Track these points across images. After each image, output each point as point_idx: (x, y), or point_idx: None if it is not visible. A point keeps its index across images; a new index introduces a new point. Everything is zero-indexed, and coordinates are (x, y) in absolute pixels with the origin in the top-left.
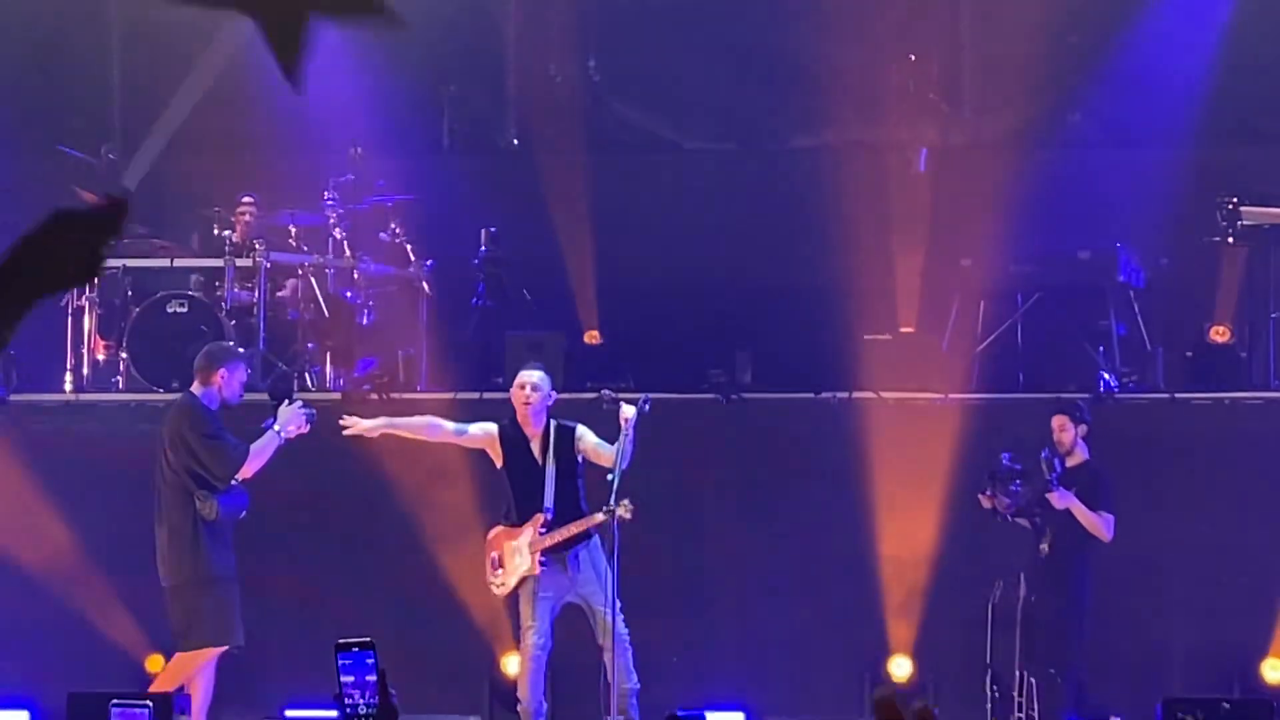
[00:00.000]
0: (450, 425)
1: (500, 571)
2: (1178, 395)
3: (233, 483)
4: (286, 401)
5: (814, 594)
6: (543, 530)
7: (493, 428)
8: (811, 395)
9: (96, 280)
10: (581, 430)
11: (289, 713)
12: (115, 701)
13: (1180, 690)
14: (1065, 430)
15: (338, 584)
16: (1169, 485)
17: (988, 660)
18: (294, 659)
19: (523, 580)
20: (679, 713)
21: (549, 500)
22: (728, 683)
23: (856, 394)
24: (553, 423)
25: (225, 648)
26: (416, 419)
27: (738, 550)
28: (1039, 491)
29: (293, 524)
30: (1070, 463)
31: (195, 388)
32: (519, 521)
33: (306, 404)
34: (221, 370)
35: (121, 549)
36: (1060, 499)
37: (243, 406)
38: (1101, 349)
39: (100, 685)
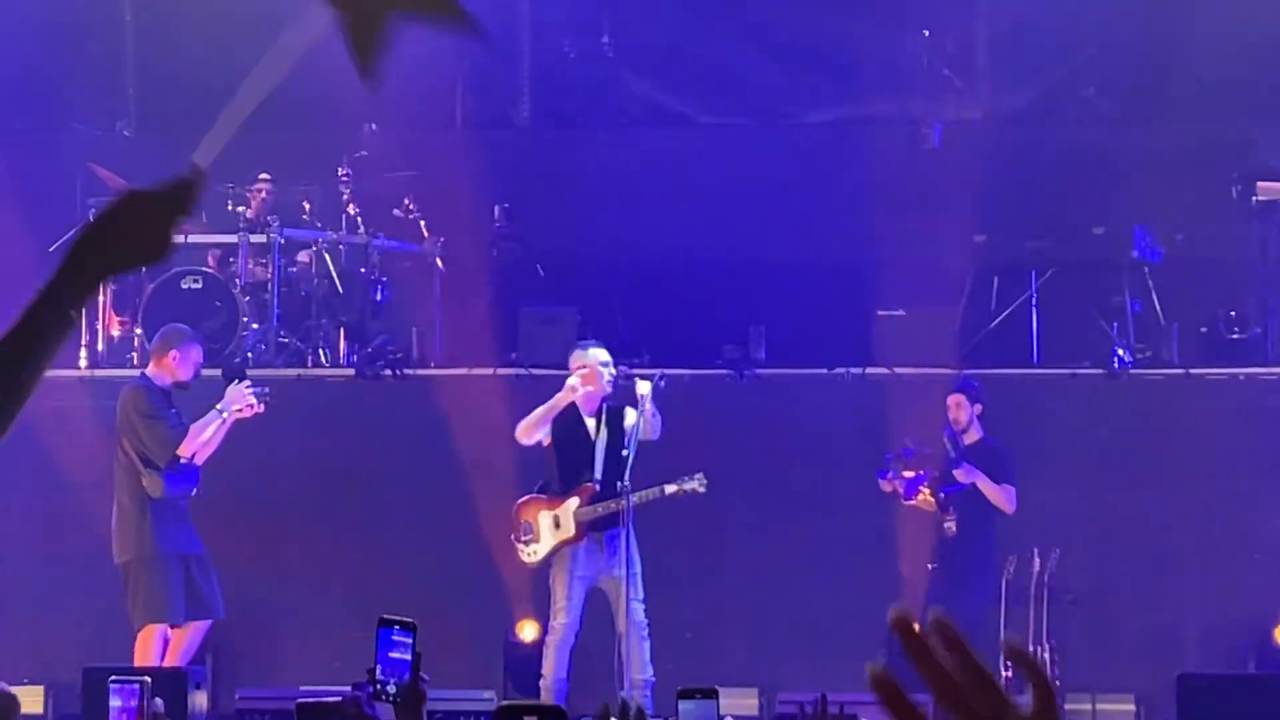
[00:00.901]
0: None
1: (532, 541)
2: (1192, 371)
3: (181, 461)
4: (236, 381)
5: (828, 569)
6: (590, 501)
7: None
8: (825, 371)
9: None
10: (629, 411)
11: (303, 689)
12: (114, 678)
13: (1196, 665)
14: (961, 409)
15: (353, 559)
16: (1183, 460)
17: (1001, 635)
18: (310, 634)
19: (558, 555)
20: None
21: (599, 472)
22: (742, 658)
23: (870, 370)
24: (604, 402)
25: (165, 624)
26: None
27: (751, 526)
28: (943, 472)
29: (308, 499)
30: (966, 440)
31: (150, 369)
32: (561, 493)
33: (256, 384)
34: (173, 352)
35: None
36: (967, 474)
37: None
38: (1116, 325)
39: (116, 660)
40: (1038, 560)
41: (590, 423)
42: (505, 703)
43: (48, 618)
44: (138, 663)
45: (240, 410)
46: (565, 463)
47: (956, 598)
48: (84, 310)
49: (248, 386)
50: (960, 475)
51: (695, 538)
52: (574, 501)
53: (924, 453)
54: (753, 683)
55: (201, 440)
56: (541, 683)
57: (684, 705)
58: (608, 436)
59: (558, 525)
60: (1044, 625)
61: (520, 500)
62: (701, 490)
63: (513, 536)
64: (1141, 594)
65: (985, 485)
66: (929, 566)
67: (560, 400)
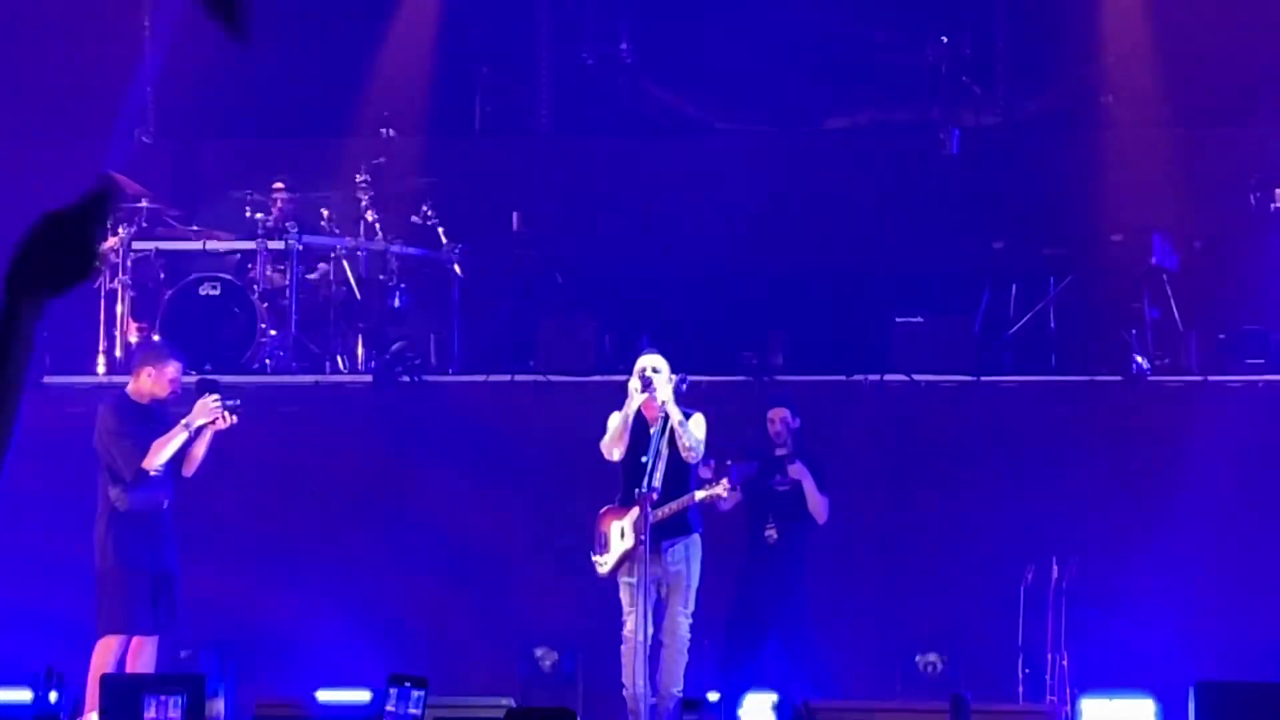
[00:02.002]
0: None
1: (605, 552)
2: (1210, 378)
3: (152, 475)
4: (206, 393)
5: (846, 576)
6: (648, 511)
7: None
8: (843, 377)
9: (128, 264)
10: (698, 417)
11: (320, 695)
12: (149, 690)
13: (1214, 673)
14: (784, 422)
15: (371, 565)
16: (1200, 468)
17: (1019, 642)
18: (328, 640)
19: (622, 564)
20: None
21: (658, 481)
22: (760, 666)
23: (888, 376)
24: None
25: (127, 635)
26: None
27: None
28: (767, 474)
29: (326, 505)
30: (783, 453)
31: (129, 385)
32: (626, 503)
33: (225, 398)
34: (148, 369)
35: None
36: (799, 470)
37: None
38: (1134, 332)
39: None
40: (1056, 567)
41: (654, 431)
42: (511, 708)
43: (67, 624)
44: (93, 671)
45: (213, 423)
46: (629, 472)
47: (779, 604)
48: (32, 337)
49: (215, 400)
50: (793, 470)
51: (713, 543)
52: (634, 513)
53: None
54: (776, 688)
55: (166, 454)
56: (624, 693)
57: (689, 718)
58: (670, 446)
59: (623, 536)
60: (1062, 632)
61: (600, 511)
62: (724, 495)
63: (591, 551)
64: (1160, 601)
65: (810, 487)
66: (751, 579)
67: (628, 407)
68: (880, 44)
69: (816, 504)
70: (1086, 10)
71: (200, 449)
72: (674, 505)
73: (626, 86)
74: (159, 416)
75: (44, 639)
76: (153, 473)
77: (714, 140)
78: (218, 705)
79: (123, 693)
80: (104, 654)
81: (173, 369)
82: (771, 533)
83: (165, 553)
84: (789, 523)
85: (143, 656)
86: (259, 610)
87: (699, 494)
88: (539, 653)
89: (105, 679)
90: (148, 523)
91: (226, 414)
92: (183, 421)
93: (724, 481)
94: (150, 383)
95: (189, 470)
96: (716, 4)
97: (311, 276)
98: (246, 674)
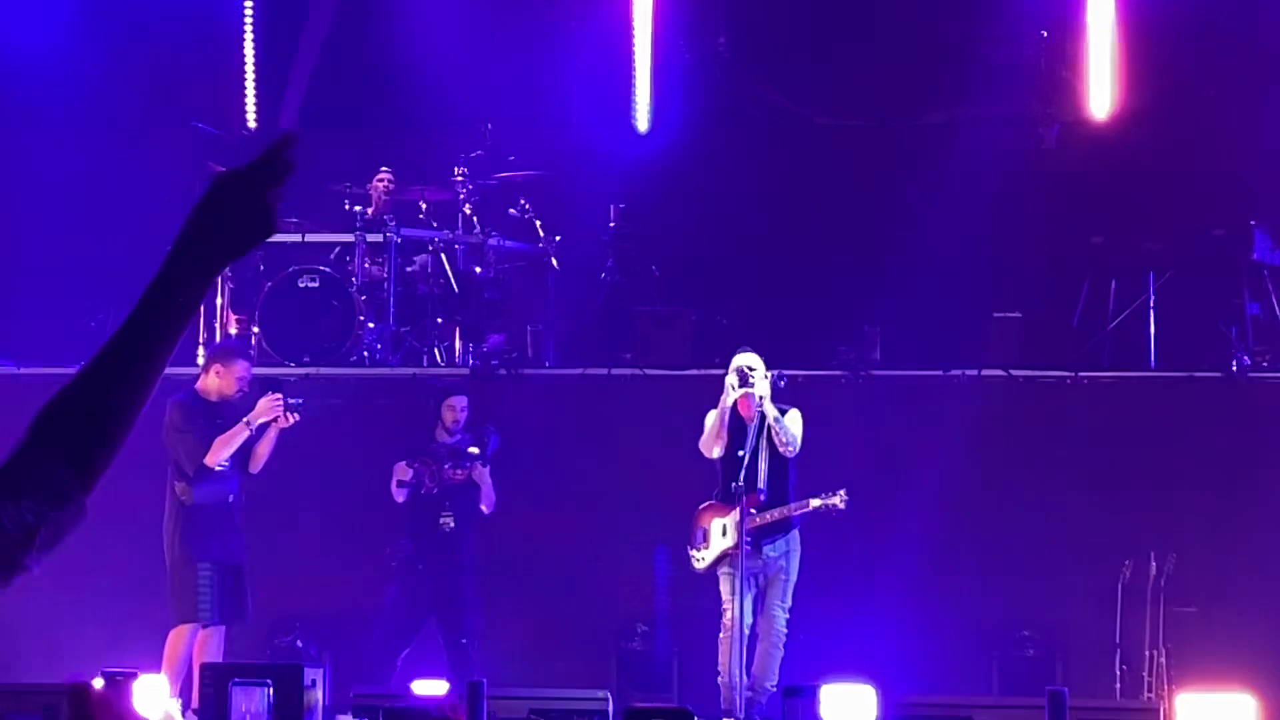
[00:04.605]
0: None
1: (704, 546)
2: None
3: (217, 469)
4: (269, 392)
5: (942, 570)
6: (753, 511)
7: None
8: (940, 373)
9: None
10: (794, 413)
11: (416, 686)
12: (237, 679)
13: None
14: (464, 411)
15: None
16: None
17: (1117, 639)
18: (426, 631)
19: (721, 560)
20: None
21: (763, 481)
22: (854, 658)
23: (986, 371)
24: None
25: (197, 625)
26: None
27: (864, 527)
28: (457, 469)
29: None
30: (455, 440)
31: (198, 383)
32: (727, 500)
33: (288, 396)
34: (216, 366)
35: (245, 522)
36: (484, 474)
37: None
38: (1234, 328)
39: (231, 654)
40: (1154, 564)
41: (752, 429)
42: (634, 706)
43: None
44: (166, 660)
45: (275, 421)
46: (729, 469)
47: (459, 591)
48: (198, 305)
49: (276, 399)
50: (481, 474)
51: (808, 536)
52: (738, 512)
53: (431, 449)
54: (867, 680)
55: (228, 451)
56: (720, 680)
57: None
58: (770, 445)
59: (724, 533)
60: (1160, 629)
61: (700, 506)
62: (842, 506)
63: (688, 545)
64: (1259, 598)
65: (488, 488)
66: (418, 566)
67: (723, 404)
68: (980, 38)
69: (490, 500)
70: (1186, 4)
71: (265, 447)
72: (782, 511)
73: (723, 81)
74: (225, 414)
75: (151, 624)
76: (216, 469)
77: (811, 134)
78: (315, 695)
79: (217, 679)
80: (175, 644)
81: (241, 368)
82: (448, 520)
83: (232, 545)
84: (464, 512)
85: (209, 646)
86: (357, 600)
87: (814, 502)
88: (638, 633)
89: (205, 668)
90: (214, 516)
91: (288, 413)
92: (244, 420)
93: (841, 493)
94: (218, 380)
95: (255, 467)
96: None
97: (410, 269)
98: (346, 665)
